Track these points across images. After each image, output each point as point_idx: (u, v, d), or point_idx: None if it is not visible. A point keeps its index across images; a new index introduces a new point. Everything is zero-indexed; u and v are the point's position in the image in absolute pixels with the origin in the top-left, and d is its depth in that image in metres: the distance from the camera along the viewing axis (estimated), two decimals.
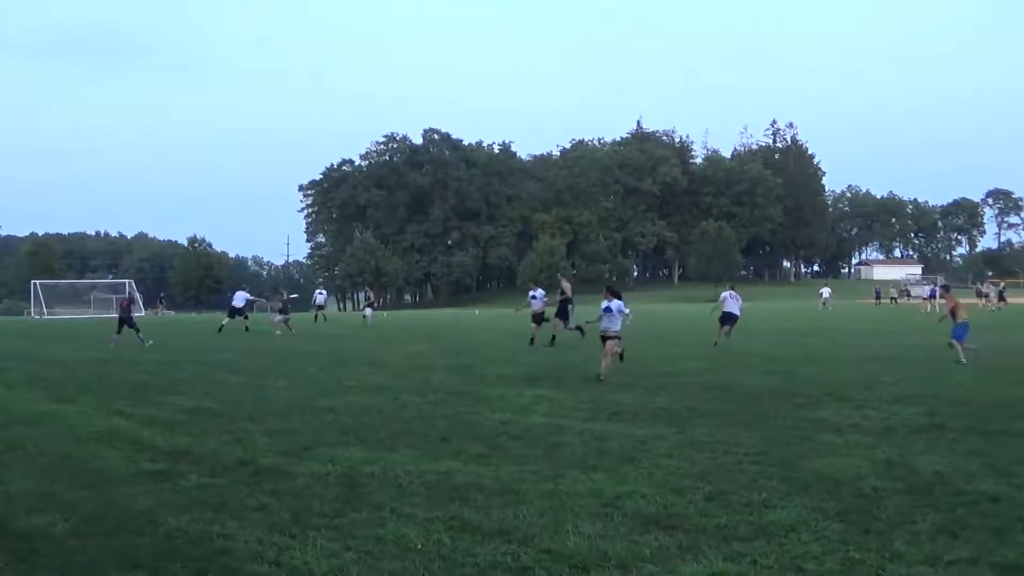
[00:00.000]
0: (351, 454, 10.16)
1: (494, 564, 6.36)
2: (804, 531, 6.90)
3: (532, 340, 27.21)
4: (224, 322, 38.92)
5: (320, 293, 55.95)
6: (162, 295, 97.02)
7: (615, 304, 17.80)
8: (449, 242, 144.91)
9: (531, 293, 30.10)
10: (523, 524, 7.26)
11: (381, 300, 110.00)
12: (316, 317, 49.75)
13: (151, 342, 29.00)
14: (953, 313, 21.07)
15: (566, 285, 28.41)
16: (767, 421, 12.36)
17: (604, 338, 17.75)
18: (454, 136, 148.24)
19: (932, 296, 59.63)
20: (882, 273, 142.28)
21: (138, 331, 29.58)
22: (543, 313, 28.51)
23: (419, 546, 6.73)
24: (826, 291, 67.53)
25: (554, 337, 27.02)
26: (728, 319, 27.77)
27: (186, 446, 10.88)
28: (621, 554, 6.45)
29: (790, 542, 6.64)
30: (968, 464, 9.21)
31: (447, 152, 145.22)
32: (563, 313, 27.64)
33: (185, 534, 7.06)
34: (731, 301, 28.20)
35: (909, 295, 69.38)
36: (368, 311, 47.63)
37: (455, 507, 7.79)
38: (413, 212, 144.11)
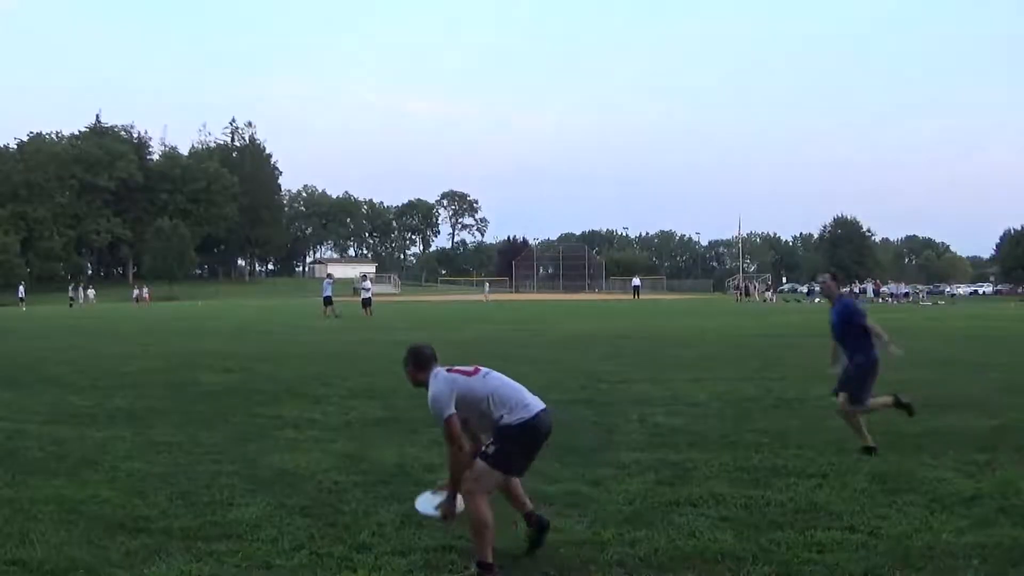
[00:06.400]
0: None
1: None
2: (269, 527, 6.92)
3: None
4: None
5: None
6: None
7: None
8: None
9: None
10: None
11: None
12: None
13: None
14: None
15: None
16: (226, 419, 12.27)
17: None
18: None
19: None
20: (337, 271, 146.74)
21: None
22: None
23: None
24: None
25: None
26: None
27: None
28: (89, 561, 6.16)
29: (256, 539, 6.63)
30: (428, 455, 9.58)
31: None
32: None
33: None
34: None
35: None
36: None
37: None
38: None
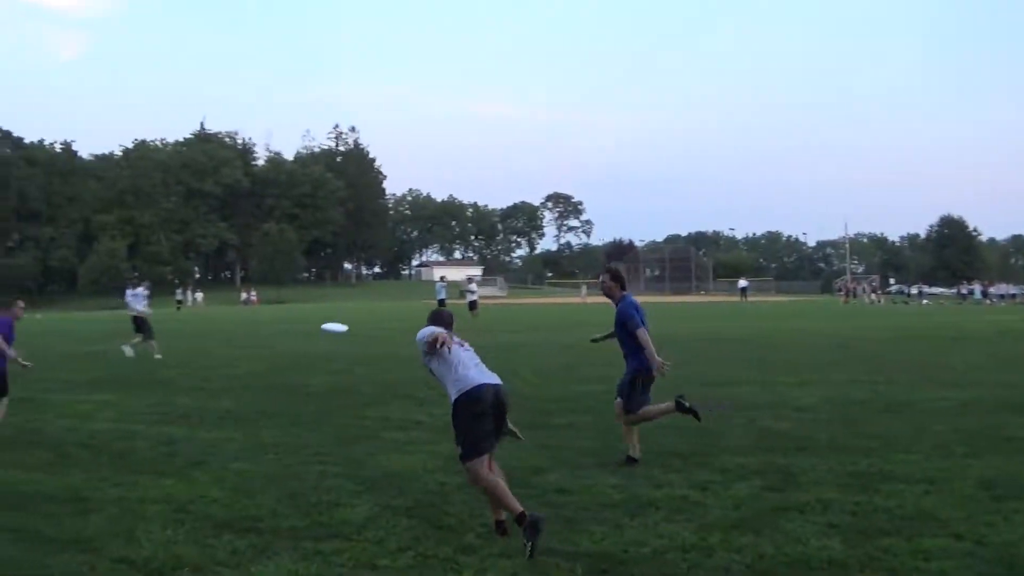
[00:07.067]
0: None
1: (69, 574, 6.09)
2: (375, 528, 7.03)
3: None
4: None
5: None
6: None
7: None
8: (10, 244, 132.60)
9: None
10: (95, 533, 6.98)
11: None
12: None
13: None
14: None
15: None
16: (332, 421, 12.49)
17: None
18: (16, 134, 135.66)
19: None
20: (444, 275, 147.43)
21: None
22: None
23: None
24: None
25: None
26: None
27: None
28: (195, 559, 6.34)
29: (363, 540, 6.74)
30: (535, 458, 9.53)
31: (9, 151, 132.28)
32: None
33: None
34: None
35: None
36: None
37: (22, 517, 7.39)
38: None
